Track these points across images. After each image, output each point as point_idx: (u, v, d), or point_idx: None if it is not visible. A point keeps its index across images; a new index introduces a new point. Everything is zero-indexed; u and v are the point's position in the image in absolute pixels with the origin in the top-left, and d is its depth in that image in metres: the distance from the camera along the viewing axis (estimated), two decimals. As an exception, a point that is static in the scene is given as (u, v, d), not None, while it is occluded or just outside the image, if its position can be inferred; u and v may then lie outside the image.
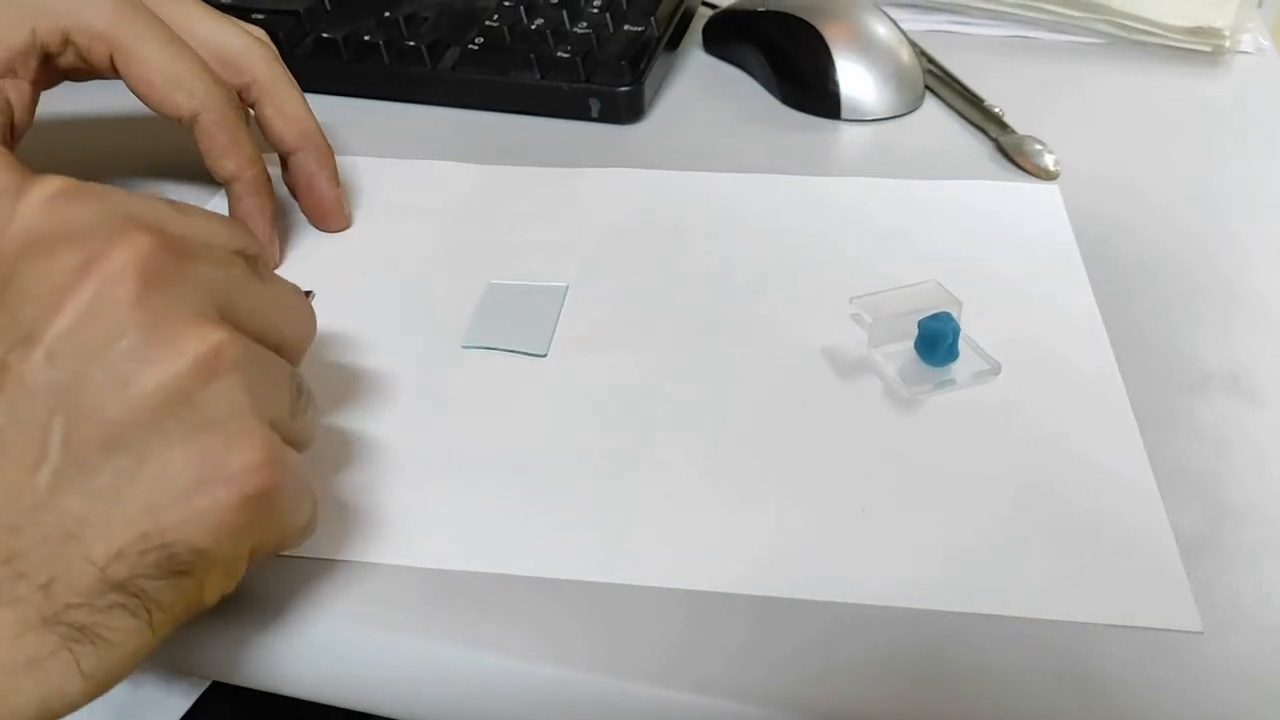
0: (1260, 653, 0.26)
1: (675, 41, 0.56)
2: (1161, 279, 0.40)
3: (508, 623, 0.27)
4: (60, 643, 0.21)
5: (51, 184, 0.24)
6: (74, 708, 0.21)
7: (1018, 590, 0.28)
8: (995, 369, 0.34)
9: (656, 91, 0.53)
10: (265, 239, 0.40)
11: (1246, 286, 0.39)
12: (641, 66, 0.51)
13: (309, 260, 0.41)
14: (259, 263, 0.27)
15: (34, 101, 0.38)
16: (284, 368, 0.26)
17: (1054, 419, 0.33)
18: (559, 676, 0.26)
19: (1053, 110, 0.51)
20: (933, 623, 0.27)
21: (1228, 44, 0.56)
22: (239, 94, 0.40)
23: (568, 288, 0.39)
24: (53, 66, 0.38)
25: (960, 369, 0.35)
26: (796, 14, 0.53)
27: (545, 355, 0.36)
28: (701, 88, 0.55)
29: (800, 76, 0.52)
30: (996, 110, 0.50)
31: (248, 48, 0.40)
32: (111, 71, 0.37)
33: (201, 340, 0.23)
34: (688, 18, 0.59)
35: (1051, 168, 0.46)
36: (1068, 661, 0.26)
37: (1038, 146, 0.47)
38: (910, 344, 0.35)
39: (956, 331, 0.34)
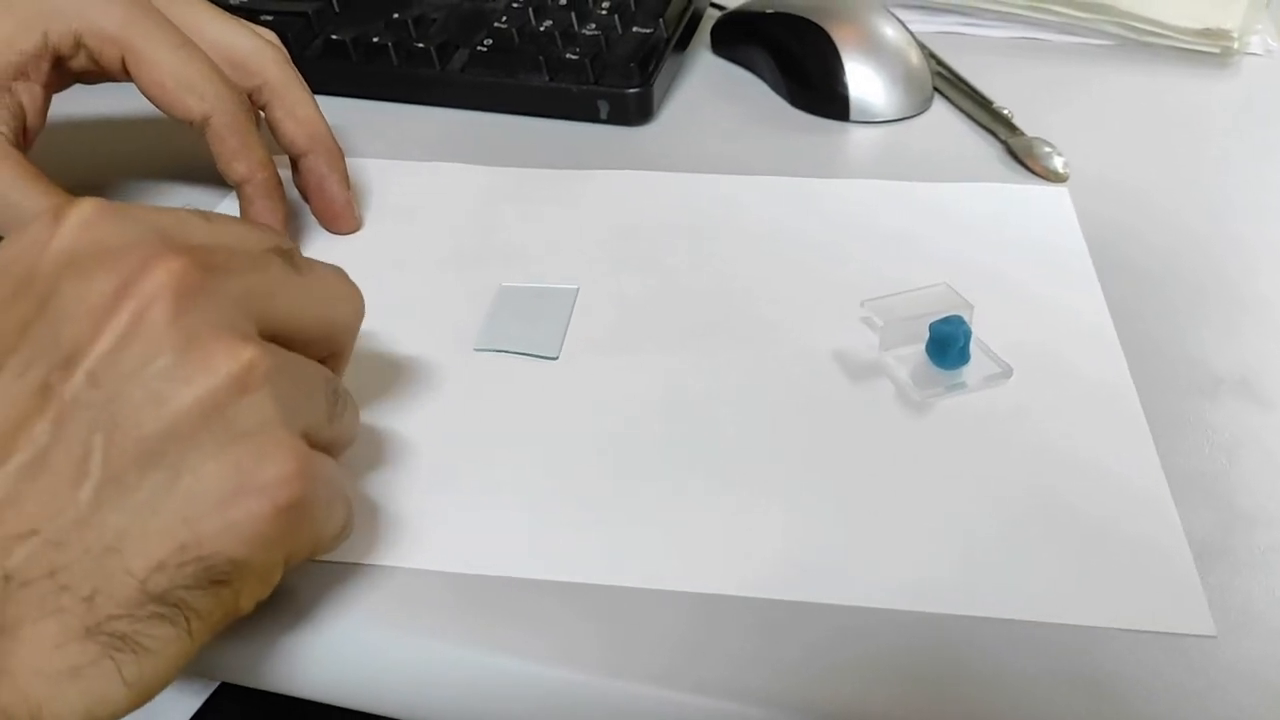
0: (1274, 657, 0.26)
1: (684, 43, 0.56)
2: (1170, 282, 0.40)
3: (517, 625, 0.27)
4: (102, 652, 0.21)
5: (87, 206, 0.25)
6: (118, 715, 0.22)
7: (1029, 594, 0.28)
8: (1007, 372, 0.34)
9: (665, 93, 0.53)
10: None
11: (1255, 289, 0.39)
12: (650, 68, 0.51)
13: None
14: (294, 256, 0.27)
15: (46, 104, 0.38)
16: (319, 375, 0.26)
17: (1066, 422, 0.33)
18: (568, 679, 0.27)
19: (1061, 112, 0.51)
20: (943, 626, 0.27)
21: (1236, 46, 0.56)
22: (249, 96, 0.40)
23: (579, 290, 0.39)
24: (65, 69, 0.38)
25: (971, 372, 0.35)
26: (805, 16, 0.53)
27: (557, 358, 0.36)
28: (710, 89, 0.55)
29: (809, 78, 0.52)
30: (1005, 112, 0.50)
31: (258, 50, 0.41)
32: (123, 74, 0.38)
33: (234, 358, 0.23)
34: (696, 19, 0.59)
35: (1061, 170, 0.46)
36: (1080, 666, 0.26)
37: (1047, 149, 0.47)
38: (921, 347, 0.35)
39: (968, 335, 0.34)
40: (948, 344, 0.34)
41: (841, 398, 0.34)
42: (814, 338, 0.37)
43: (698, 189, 0.45)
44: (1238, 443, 0.33)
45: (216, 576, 0.23)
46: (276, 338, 0.25)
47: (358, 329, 0.29)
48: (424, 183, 0.46)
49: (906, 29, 0.54)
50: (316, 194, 0.42)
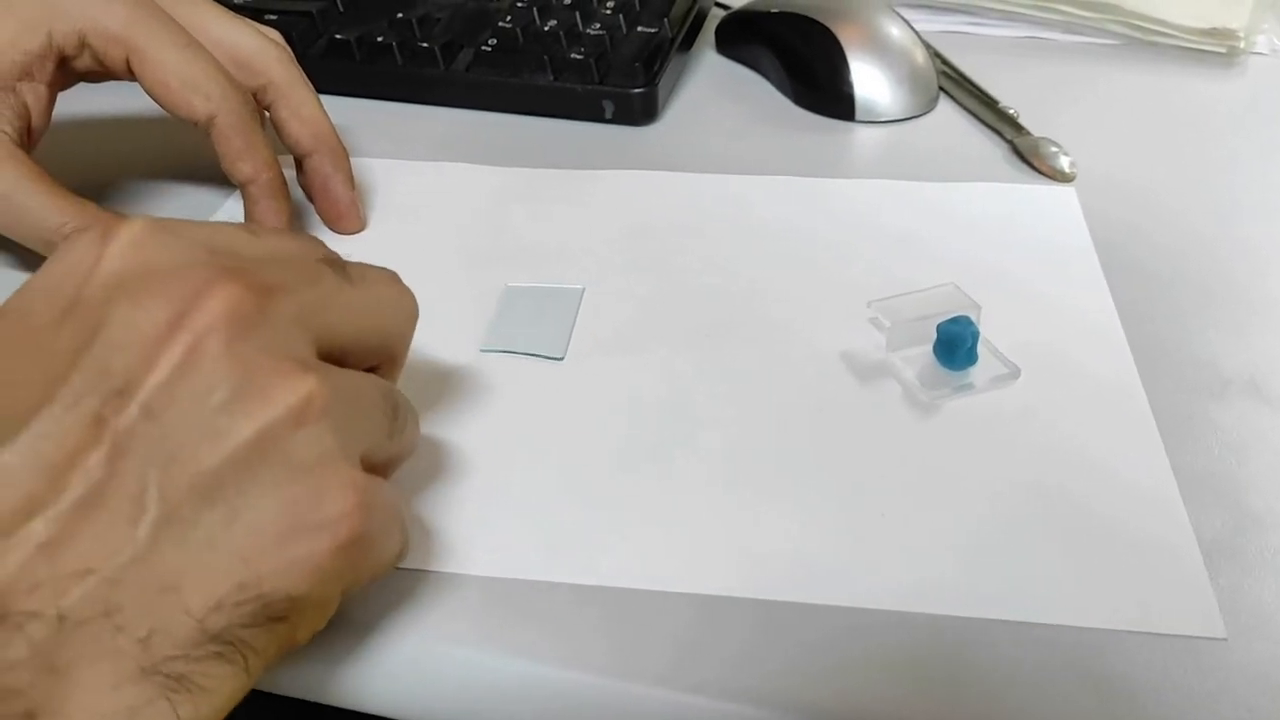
0: (1285, 659, 0.26)
1: (688, 43, 0.56)
2: (1178, 282, 0.39)
3: (523, 626, 0.27)
4: (158, 692, 0.21)
5: (136, 225, 0.24)
6: None
7: (1038, 596, 0.28)
8: (1015, 373, 0.34)
9: (670, 93, 0.53)
10: None
11: (1263, 290, 0.39)
12: (655, 68, 0.51)
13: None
14: (345, 266, 0.27)
15: (50, 104, 0.38)
16: (376, 393, 0.26)
17: (1073, 423, 0.33)
18: (575, 680, 0.26)
19: (1067, 112, 0.51)
20: (951, 628, 0.27)
21: (1243, 45, 0.56)
22: (254, 96, 0.40)
23: (584, 290, 0.39)
24: (69, 69, 0.38)
25: (979, 373, 0.34)
26: (810, 15, 0.53)
27: (563, 359, 0.36)
28: (715, 89, 0.55)
29: (814, 78, 0.52)
30: (1011, 112, 0.50)
31: (263, 49, 0.40)
32: (128, 74, 0.37)
33: (292, 390, 0.23)
34: (700, 19, 0.59)
35: (1067, 170, 0.46)
36: (1090, 668, 0.26)
37: (1053, 149, 0.47)
38: (928, 348, 0.35)
39: (976, 335, 0.34)
40: (955, 345, 0.34)
41: (848, 398, 0.34)
42: (821, 338, 0.36)
43: (703, 189, 0.45)
44: (1247, 443, 0.32)
45: (275, 614, 0.22)
46: (332, 353, 0.25)
47: (412, 334, 0.29)
48: (428, 182, 0.46)
49: (912, 28, 0.54)
50: (321, 194, 0.42)
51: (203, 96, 0.37)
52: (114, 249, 0.23)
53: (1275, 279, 0.40)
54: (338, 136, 0.42)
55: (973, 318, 0.34)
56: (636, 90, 0.50)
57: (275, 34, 0.42)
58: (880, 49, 0.52)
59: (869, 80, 0.51)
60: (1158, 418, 0.33)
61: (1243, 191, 0.45)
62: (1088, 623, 0.27)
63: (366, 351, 0.27)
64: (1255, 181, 0.46)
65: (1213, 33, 0.56)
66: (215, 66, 0.38)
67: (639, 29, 0.53)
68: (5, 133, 0.36)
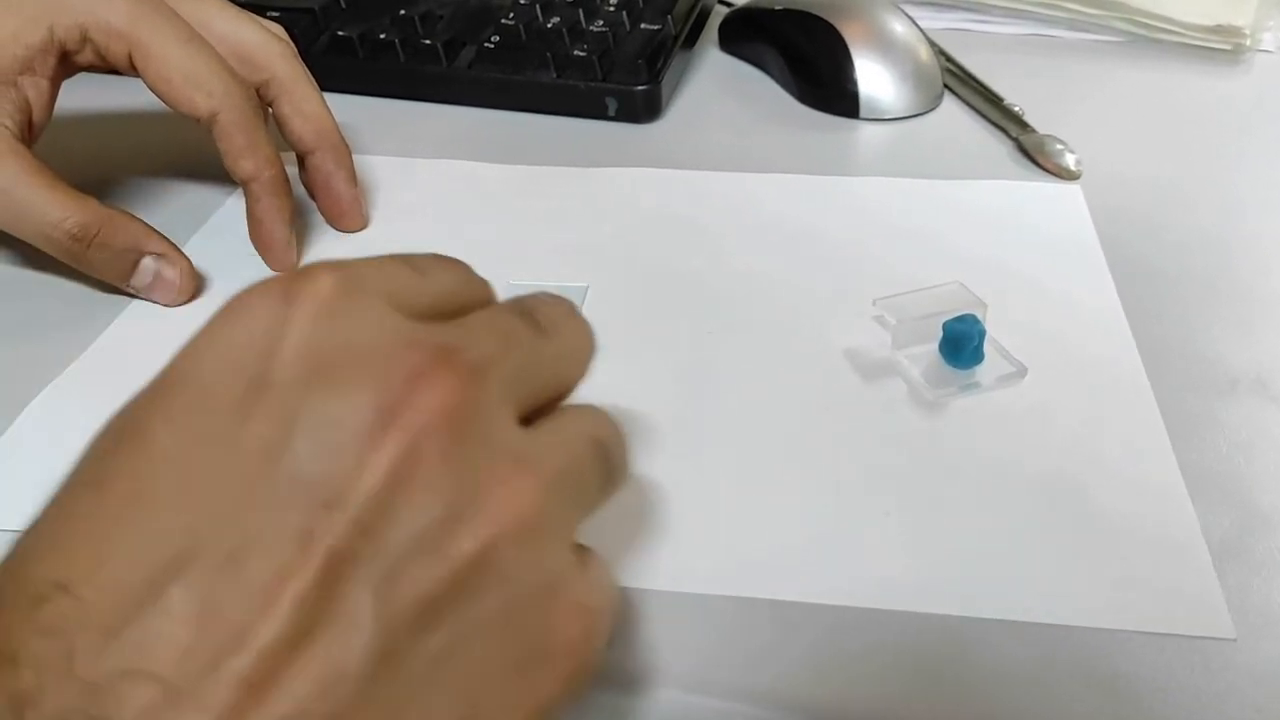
0: (1294, 659, 0.26)
1: (692, 40, 0.56)
2: (1184, 280, 0.39)
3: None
4: None
5: (322, 286, 0.20)
6: None
7: (1045, 596, 0.27)
8: (1021, 371, 0.34)
9: (673, 90, 0.53)
10: (283, 240, 0.40)
11: (1270, 287, 0.39)
12: (658, 65, 0.51)
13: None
14: (533, 312, 0.24)
15: (52, 99, 0.38)
16: (590, 452, 0.23)
17: (1080, 422, 0.33)
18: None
19: (1072, 109, 0.51)
20: (957, 628, 0.27)
21: (1248, 42, 0.56)
22: (257, 91, 0.40)
23: (588, 288, 0.39)
24: (70, 64, 0.38)
25: (985, 371, 0.34)
26: (814, 12, 0.53)
27: (566, 356, 0.36)
28: (718, 86, 0.55)
29: (818, 75, 0.52)
30: (1016, 109, 0.50)
31: (266, 43, 0.40)
32: (130, 69, 0.37)
33: (514, 499, 0.20)
34: (704, 16, 0.59)
35: (1073, 167, 0.46)
36: (1097, 668, 0.26)
37: (1059, 146, 0.47)
38: (934, 346, 0.35)
39: (982, 334, 0.34)
40: (962, 343, 0.34)
41: (854, 397, 0.34)
42: (826, 336, 0.36)
43: (706, 187, 0.45)
44: (1254, 442, 0.32)
45: None
46: (529, 413, 0.22)
47: (594, 352, 0.26)
48: (431, 180, 0.46)
49: (916, 25, 0.53)
50: (323, 191, 0.42)
51: (205, 93, 0.37)
52: (302, 315, 0.20)
53: (1278, 276, 0.40)
54: (340, 133, 0.42)
55: (979, 316, 0.34)
56: (640, 87, 0.50)
57: (279, 29, 0.42)
58: (885, 46, 0.52)
59: (873, 77, 0.51)
60: (1165, 416, 0.33)
61: (1249, 188, 0.45)
62: (1095, 623, 0.27)
63: (558, 399, 0.24)
64: (1261, 178, 0.46)
65: (1218, 30, 0.56)
66: (218, 62, 0.37)
67: (642, 26, 0.53)
68: (6, 127, 0.36)
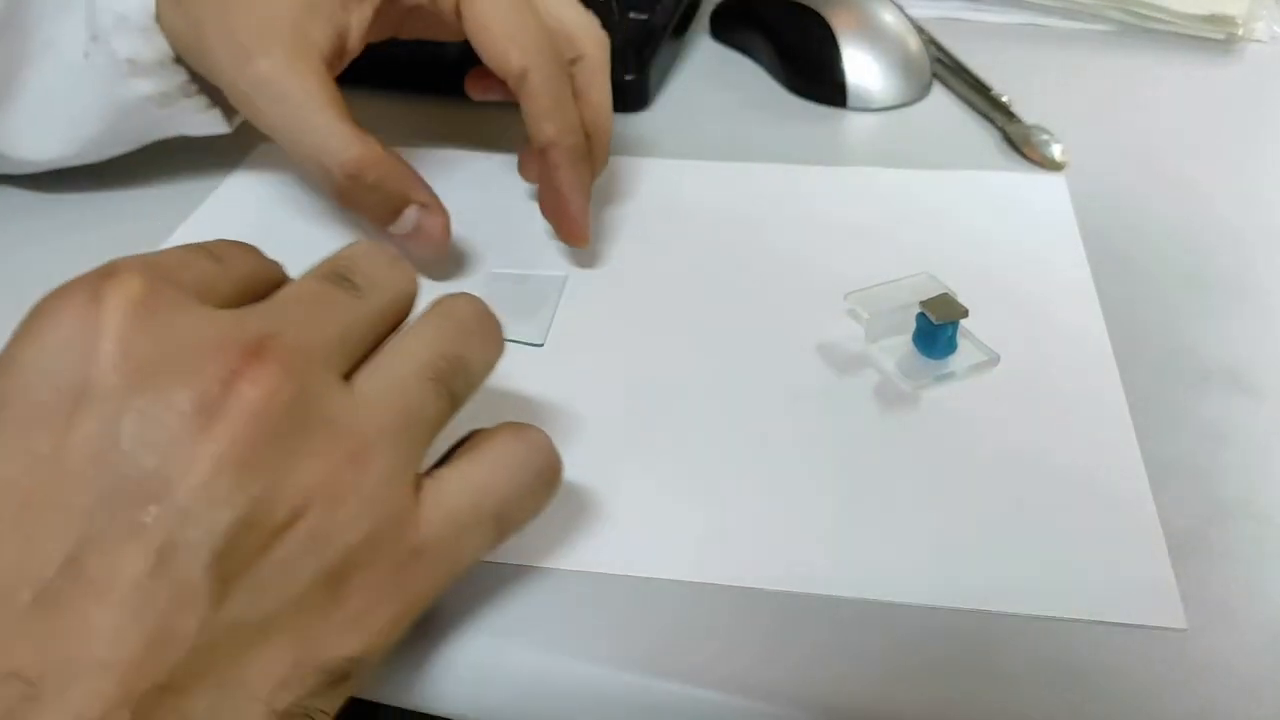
0: (1248, 649, 0.26)
1: (682, 29, 0.56)
2: (1166, 272, 0.39)
3: (514, 615, 0.28)
4: None
5: (130, 285, 0.21)
6: None
7: (1007, 585, 0.28)
8: (994, 359, 0.34)
9: (662, 80, 0.53)
10: (580, 213, 0.39)
11: (1248, 280, 0.39)
12: (646, 55, 0.51)
13: (308, 254, 0.41)
14: (346, 274, 0.25)
15: (368, 33, 0.38)
16: (424, 400, 0.24)
17: (1048, 413, 0.33)
18: (564, 670, 0.27)
19: (1063, 98, 0.51)
20: (919, 618, 0.27)
21: (1241, 32, 0.56)
22: None
23: (567, 278, 0.39)
24: (398, 4, 0.38)
25: (959, 360, 0.34)
26: (803, 1, 0.53)
27: (542, 345, 0.36)
28: (708, 76, 0.55)
29: (807, 65, 0.52)
30: (1004, 99, 0.50)
31: (588, 25, 0.40)
32: (454, 16, 0.37)
33: (322, 470, 0.22)
34: (695, 5, 0.59)
35: (1058, 158, 0.46)
36: (1056, 657, 0.26)
37: (1044, 136, 0.47)
38: (908, 337, 0.35)
39: (955, 324, 0.34)
40: (936, 334, 0.34)
41: (828, 388, 0.34)
42: (802, 328, 0.36)
43: (692, 176, 0.45)
44: (1224, 434, 0.32)
45: (337, 676, 0.22)
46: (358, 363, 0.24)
47: (416, 295, 0.27)
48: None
49: (905, 14, 0.53)
50: (559, 185, 0.40)
51: (520, 48, 0.36)
52: (114, 318, 0.21)
53: (1260, 269, 0.40)
54: (609, 139, 0.41)
55: (952, 306, 0.34)
56: (627, 77, 0.50)
57: (597, 19, 0.41)
58: (873, 36, 0.52)
59: (861, 67, 0.51)
60: (1137, 407, 0.33)
61: (1236, 180, 0.45)
62: (1052, 612, 0.27)
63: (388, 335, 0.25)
64: (1250, 171, 0.46)
65: (1211, 19, 0.56)
66: (539, 25, 0.37)
67: (631, 15, 0.53)
68: (319, 45, 0.36)
